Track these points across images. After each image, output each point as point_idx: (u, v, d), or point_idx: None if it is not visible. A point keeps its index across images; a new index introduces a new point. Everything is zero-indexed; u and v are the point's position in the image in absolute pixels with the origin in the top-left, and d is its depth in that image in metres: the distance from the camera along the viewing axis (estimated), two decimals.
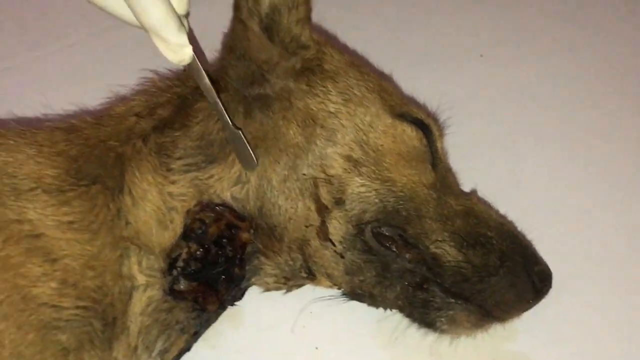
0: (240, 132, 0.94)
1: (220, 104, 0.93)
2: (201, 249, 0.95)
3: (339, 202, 0.97)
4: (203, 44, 1.16)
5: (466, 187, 1.13)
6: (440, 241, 0.96)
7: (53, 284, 0.85)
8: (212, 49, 1.19)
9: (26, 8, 1.33)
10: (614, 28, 1.41)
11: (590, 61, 1.36)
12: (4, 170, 0.90)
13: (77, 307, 0.86)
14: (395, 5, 1.39)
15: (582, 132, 1.27)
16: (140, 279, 0.93)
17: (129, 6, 0.80)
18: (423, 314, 0.99)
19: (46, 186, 0.90)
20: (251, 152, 0.95)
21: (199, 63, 0.89)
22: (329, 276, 1.01)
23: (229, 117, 0.94)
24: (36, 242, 0.86)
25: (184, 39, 0.85)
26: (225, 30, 1.17)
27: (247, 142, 0.95)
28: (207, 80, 0.91)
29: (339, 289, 1.03)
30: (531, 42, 1.39)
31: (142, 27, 0.83)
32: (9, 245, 0.84)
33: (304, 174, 0.96)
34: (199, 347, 1.02)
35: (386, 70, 1.28)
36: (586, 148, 1.26)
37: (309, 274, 1.02)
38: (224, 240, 0.96)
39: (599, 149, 1.26)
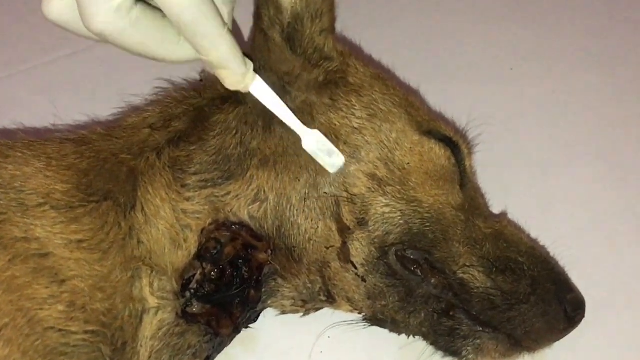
0: (317, 131, 0.94)
1: (290, 112, 0.93)
2: (216, 270, 0.94)
3: (362, 222, 0.95)
4: None
5: (496, 209, 1.13)
6: (468, 266, 0.95)
7: (60, 307, 0.84)
8: None
9: (34, 10, 1.32)
10: None
11: (628, 75, 1.34)
12: (10, 184, 0.89)
13: (86, 332, 0.85)
14: (422, 16, 1.38)
15: (620, 150, 1.26)
16: (152, 301, 0.92)
17: (196, 47, 0.81)
18: (448, 343, 0.97)
19: (55, 202, 0.89)
20: (336, 149, 0.95)
21: (265, 84, 0.90)
22: (349, 300, 1.00)
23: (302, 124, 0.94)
24: (43, 262, 0.85)
25: (249, 66, 0.86)
26: (245, 40, 1.17)
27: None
28: (272, 92, 0.91)
29: (359, 313, 1.02)
30: (564, 54, 1.37)
31: (204, 62, 0.84)
32: (14, 265, 0.83)
33: (326, 193, 0.95)
34: None
35: (413, 84, 1.27)
36: (624, 168, 1.24)
37: (329, 298, 1.00)
38: (240, 261, 0.95)
39: (638, 169, 1.24)
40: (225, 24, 0.82)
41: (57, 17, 0.81)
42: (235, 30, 1.18)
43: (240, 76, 0.86)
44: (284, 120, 0.93)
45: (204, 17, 0.78)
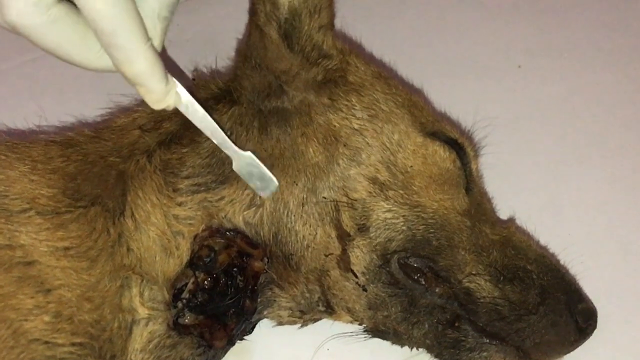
0: (251, 154, 0.92)
1: (222, 132, 0.90)
2: (209, 279, 0.94)
3: (363, 229, 0.95)
4: (214, 50, 1.15)
5: (503, 215, 1.12)
6: (474, 274, 0.95)
7: (46, 318, 0.84)
8: (224, 56, 1.19)
9: None
10: None
11: None
12: None
13: (73, 344, 0.85)
14: (426, 11, 1.38)
15: (635, 152, 1.26)
16: (142, 312, 0.92)
17: (111, 58, 0.78)
18: (453, 355, 0.97)
19: (40, 207, 0.89)
20: (269, 173, 0.93)
21: (195, 102, 0.87)
22: (349, 310, 1.00)
23: (234, 143, 0.92)
24: (28, 271, 0.85)
25: (171, 85, 0.83)
26: (240, 36, 1.17)
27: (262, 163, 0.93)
28: (202, 111, 0.88)
29: (360, 324, 1.02)
30: (575, 51, 1.37)
31: (121, 75, 0.81)
32: None
33: (324, 197, 0.95)
34: None
35: (416, 83, 1.27)
36: (638, 171, 1.24)
37: (328, 308, 1.00)
38: (235, 269, 0.95)
39: None
40: (147, 38, 0.79)
41: None
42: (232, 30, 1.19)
43: (160, 95, 0.82)
44: (215, 141, 0.91)
45: (123, 28, 0.76)
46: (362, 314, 0.99)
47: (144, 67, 0.78)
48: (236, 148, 0.92)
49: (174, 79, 0.83)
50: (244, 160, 0.92)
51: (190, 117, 0.88)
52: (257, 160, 0.93)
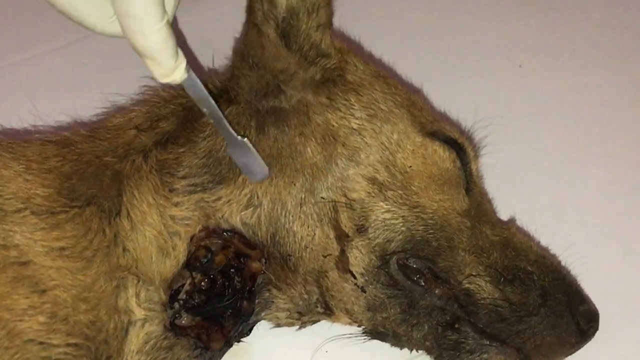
0: (246, 140, 0.93)
1: (221, 113, 0.92)
2: (206, 280, 0.94)
3: (362, 229, 0.95)
4: (211, 49, 1.16)
5: (503, 215, 1.12)
6: (474, 275, 0.95)
7: (41, 318, 0.84)
8: (222, 55, 1.18)
9: (13, 4, 1.31)
10: None
11: None
12: None
13: (68, 345, 0.85)
14: (426, 10, 1.38)
15: (636, 153, 1.26)
16: (138, 312, 0.92)
17: (123, 27, 0.79)
18: (453, 357, 0.97)
19: (35, 207, 0.89)
20: (261, 160, 0.94)
21: (198, 81, 0.88)
22: (348, 312, 1.00)
23: (232, 127, 0.93)
24: (23, 271, 0.85)
25: (180, 60, 0.83)
26: (237, 35, 1.17)
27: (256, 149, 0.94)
28: (204, 91, 0.89)
29: (359, 326, 1.02)
30: (576, 50, 1.37)
31: (132, 47, 0.81)
32: None
33: (323, 198, 0.95)
34: None
35: (415, 82, 1.27)
36: (638, 171, 1.24)
37: (326, 309, 1.00)
38: (232, 270, 0.95)
39: None
40: (164, 12, 0.79)
41: None
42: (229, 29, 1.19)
43: (168, 70, 0.83)
44: (213, 122, 0.93)
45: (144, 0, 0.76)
46: (361, 316, 0.99)
47: (158, 41, 0.79)
48: (232, 132, 0.92)
49: (183, 56, 0.84)
50: (237, 144, 0.93)
51: (191, 95, 0.89)
52: (251, 146, 0.93)
